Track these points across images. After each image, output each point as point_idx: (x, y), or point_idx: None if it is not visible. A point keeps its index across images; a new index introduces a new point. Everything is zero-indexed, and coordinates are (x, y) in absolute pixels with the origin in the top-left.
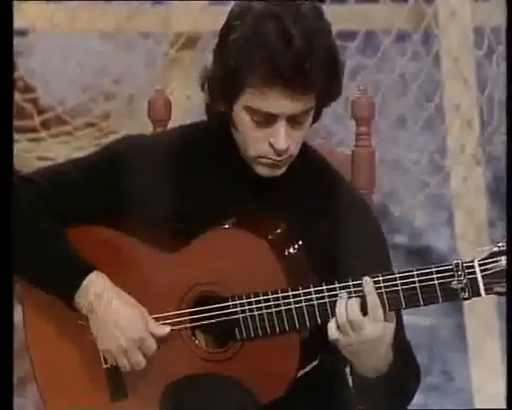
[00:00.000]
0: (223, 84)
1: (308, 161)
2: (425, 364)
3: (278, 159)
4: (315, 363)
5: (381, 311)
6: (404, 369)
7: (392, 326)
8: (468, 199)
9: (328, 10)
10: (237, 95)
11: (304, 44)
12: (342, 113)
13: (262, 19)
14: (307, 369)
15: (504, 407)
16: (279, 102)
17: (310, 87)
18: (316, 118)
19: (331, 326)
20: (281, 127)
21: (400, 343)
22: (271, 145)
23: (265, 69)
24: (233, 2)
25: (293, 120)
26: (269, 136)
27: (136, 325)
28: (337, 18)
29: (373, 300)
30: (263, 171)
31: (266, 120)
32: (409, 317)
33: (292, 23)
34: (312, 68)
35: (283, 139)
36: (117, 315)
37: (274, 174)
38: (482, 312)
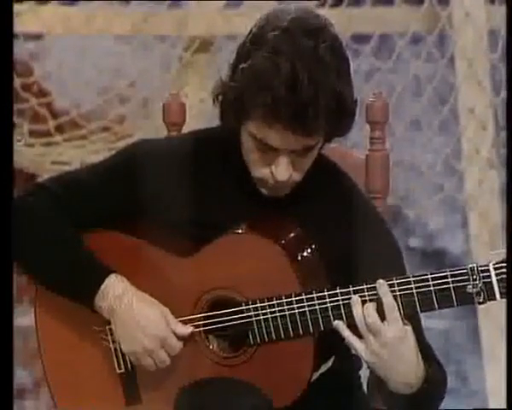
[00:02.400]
0: (231, 106)
1: (321, 168)
2: None
3: (279, 185)
4: (328, 365)
5: (397, 311)
6: (437, 382)
7: (410, 330)
8: (483, 201)
9: (344, 13)
10: (243, 120)
11: (310, 91)
12: (357, 116)
13: (274, 56)
14: (321, 371)
15: None
16: (280, 140)
17: (312, 132)
18: (327, 142)
19: (353, 340)
20: (282, 161)
21: (426, 353)
22: (272, 174)
23: (267, 112)
24: (246, 3)
25: (295, 153)
26: (271, 163)
27: (157, 324)
28: (352, 21)
29: (388, 301)
30: (265, 191)
31: (269, 150)
32: (424, 320)
33: (304, 67)
34: (316, 117)
35: (283, 172)
36: (138, 316)
37: (276, 195)
38: (496, 315)
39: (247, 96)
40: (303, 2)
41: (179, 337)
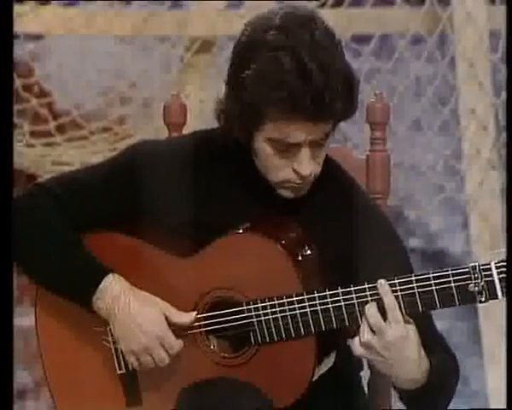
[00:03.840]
0: (240, 119)
1: (323, 169)
2: None
3: (302, 182)
4: (329, 365)
5: (398, 311)
6: (444, 373)
7: (412, 328)
8: (484, 202)
9: (344, 14)
10: (257, 128)
11: (322, 77)
12: (357, 117)
13: (277, 53)
14: (321, 372)
15: None
16: (302, 132)
17: (332, 115)
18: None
19: (356, 344)
20: (304, 154)
21: (433, 343)
22: (295, 171)
23: (286, 107)
24: (247, 4)
25: (315, 143)
26: (292, 162)
27: (155, 323)
28: (352, 21)
29: (389, 301)
30: (286, 194)
31: (289, 148)
32: None
33: (308, 55)
34: (333, 99)
35: (307, 165)
36: (136, 315)
37: (297, 196)
38: (497, 315)
39: (260, 99)
40: (301, 2)
41: (183, 327)
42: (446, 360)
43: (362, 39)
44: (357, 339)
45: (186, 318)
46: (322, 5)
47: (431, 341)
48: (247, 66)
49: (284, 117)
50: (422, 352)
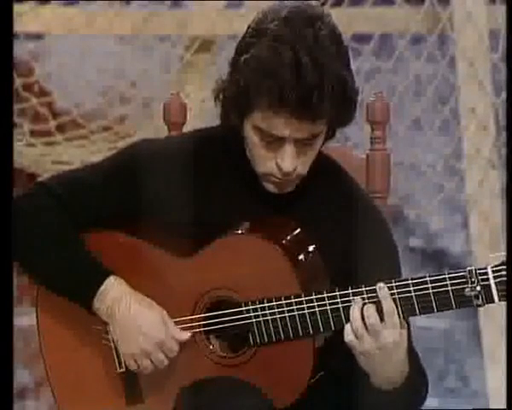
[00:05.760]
0: (234, 101)
1: (322, 168)
2: (441, 367)
3: (285, 178)
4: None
5: (396, 316)
6: (417, 381)
7: (405, 333)
8: (484, 202)
9: (344, 13)
10: (247, 113)
11: (315, 77)
12: (357, 116)
13: (276, 44)
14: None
15: None
16: (286, 127)
17: (318, 116)
18: (330, 136)
19: (347, 329)
20: (288, 149)
21: (412, 354)
22: (278, 165)
23: (273, 98)
24: (247, 3)
25: (302, 142)
26: (276, 156)
27: (156, 327)
28: (353, 20)
29: (388, 305)
30: (270, 188)
31: (274, 140)
32: (424, 320)
33: (306, 52)
34: (321, 101)
35: (289, 162)
36: (136, 318)
37: (281, 191)
38: (497, 315)
39: (251, 85)
40: (303, 2)
41: (177, 341)
42: (421, 373)
43: (362, 39)
44: (349, 326)
45: (181, 335)
46: (323, 4)
47: (411, 354)
48: (247, 50)
49: (271, 108)
50: (407, 357)
